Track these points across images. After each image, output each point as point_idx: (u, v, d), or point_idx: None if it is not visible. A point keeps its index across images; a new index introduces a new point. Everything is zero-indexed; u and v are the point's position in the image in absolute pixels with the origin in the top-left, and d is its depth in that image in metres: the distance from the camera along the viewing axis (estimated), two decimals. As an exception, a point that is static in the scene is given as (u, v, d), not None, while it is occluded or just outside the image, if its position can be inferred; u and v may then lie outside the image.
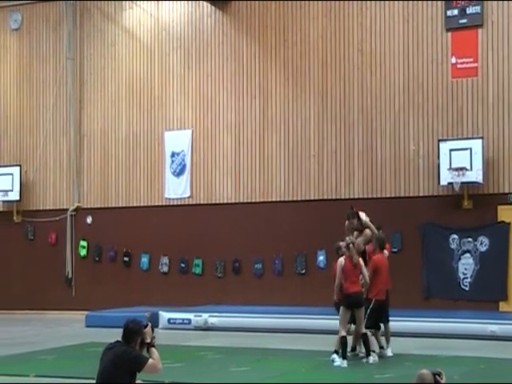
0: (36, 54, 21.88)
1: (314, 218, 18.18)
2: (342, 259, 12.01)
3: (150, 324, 7.19)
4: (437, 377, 5.51)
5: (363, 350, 12.19)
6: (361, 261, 12.09)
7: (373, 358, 11.98)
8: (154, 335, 7.18)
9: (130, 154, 20.61)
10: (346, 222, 13.01)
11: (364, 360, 11.97)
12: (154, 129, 20.35)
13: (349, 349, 12.18)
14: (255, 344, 14.45)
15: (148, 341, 7.09)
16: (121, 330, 7.09)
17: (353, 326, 12.35)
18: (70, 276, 20.92)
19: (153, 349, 7.09)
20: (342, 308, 11.91)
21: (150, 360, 6.97)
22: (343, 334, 11.73)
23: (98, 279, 20.57)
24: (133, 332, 7.04)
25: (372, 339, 12.28)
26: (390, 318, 12.77)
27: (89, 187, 21.12)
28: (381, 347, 12.49)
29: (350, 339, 12.29)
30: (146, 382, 7.62)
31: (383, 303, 12.46)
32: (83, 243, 20.88)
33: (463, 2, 17.22)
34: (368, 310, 12.11)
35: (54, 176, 21.51)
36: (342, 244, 12.24)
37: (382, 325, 12.59)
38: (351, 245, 11.90)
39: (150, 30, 20.54)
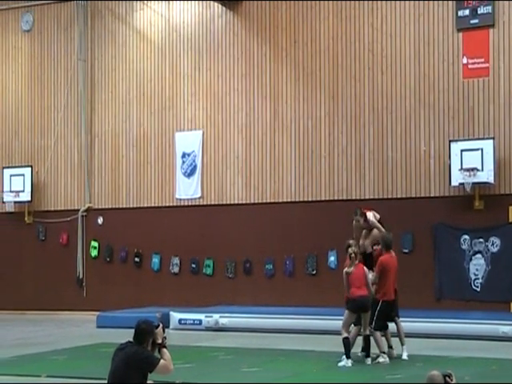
0: (47, 55, 21.94)
1: (325, 219, 18.16)
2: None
3: (161, 324, 7.20)
4: (447, 378, 5.49)
5: (375, 351, 12.17)
6: (365, 268, 12.09)
7: (383, 359, 11.97)
8: (166, 336, 7.20)
9: (141, 155, 20.64)
10: (354, 221, 13.09)
11: (369, 361, 11.96)
12: (165, 129, 20.37)
13: (359, 349, 12.19)
14: (266, 345, 14.44)
15: (159, 341, 7.10)
16: (132, 331, 7.11)
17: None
18: (81, 276, 20.97)
19: (164, 349, 7.10)
20: (346, 311, 11.95)
21: (162, 361, 6.98)
22: (345, 335, 11.79)
23: (109, 280, 20.60)
24: (144, 333, 7.05)
25: (382, 340, 12.24)
26: (402, 319, 12.72)
27: (100, 188, 21.16)
28: (389, 347, 12.45)
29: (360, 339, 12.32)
30: (157, 382, 7.64)
31: (392, 303, 12.41)
32: (94, 244, 20.92)
33: (474, 2, 17.17)
34: (376, 312, 12.09)
35: (66, 177, 21.56)
36: (352, 242, 12.31)
37: (393, 323, 12.56)
38: (353, 255, 11.94)
39: (160, 31, 20.57)
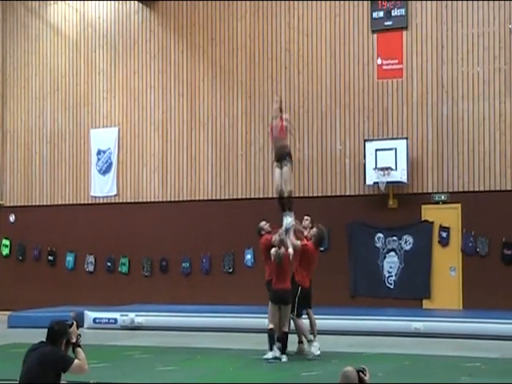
0: (-43, 49, 21.34)
1: (242, 217, 18.17)
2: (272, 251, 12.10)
3: (74, 323, 7.07)
4: (360, 373, 5.53)
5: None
6: (290, 256, 12.14)
7: (314, 348, 12.06)
8: (80, 333, 7.07)
9: (55, 152, 20.29)
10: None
11: (282, 359, 12.01)
12: (80, 126, 20.07)
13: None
14: (183, 343, 14.37)
15: (73, 340, 6.97)
16: (45, 331, 6.96)
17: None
18: (-8, 276, 20.48)
19: (78, 349, 6.98)
20: (269, 302, 12.05)
21: (76, 360, 6.86)
22: (270, 326, 11.89)
23: (21, 279, 20.17)
24: (58, 334, 6.92)
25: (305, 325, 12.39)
26: (317, 316, 12.83)
27: (12, 185, 20.70)
28: (300, 342, 12.55)
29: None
30: (71, 382, 7.50)
31: (308, 291, 12.50)
32: (6, 242, 20.48)
33: (389, 5, 17.48)
34: (296, 299, 12.17)
35: (-24, 173, 21.01)
36: (263, 224, 12.62)
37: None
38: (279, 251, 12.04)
39: (75, 26, 20.24)
